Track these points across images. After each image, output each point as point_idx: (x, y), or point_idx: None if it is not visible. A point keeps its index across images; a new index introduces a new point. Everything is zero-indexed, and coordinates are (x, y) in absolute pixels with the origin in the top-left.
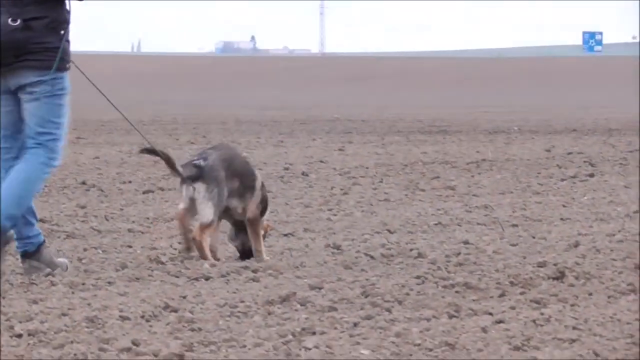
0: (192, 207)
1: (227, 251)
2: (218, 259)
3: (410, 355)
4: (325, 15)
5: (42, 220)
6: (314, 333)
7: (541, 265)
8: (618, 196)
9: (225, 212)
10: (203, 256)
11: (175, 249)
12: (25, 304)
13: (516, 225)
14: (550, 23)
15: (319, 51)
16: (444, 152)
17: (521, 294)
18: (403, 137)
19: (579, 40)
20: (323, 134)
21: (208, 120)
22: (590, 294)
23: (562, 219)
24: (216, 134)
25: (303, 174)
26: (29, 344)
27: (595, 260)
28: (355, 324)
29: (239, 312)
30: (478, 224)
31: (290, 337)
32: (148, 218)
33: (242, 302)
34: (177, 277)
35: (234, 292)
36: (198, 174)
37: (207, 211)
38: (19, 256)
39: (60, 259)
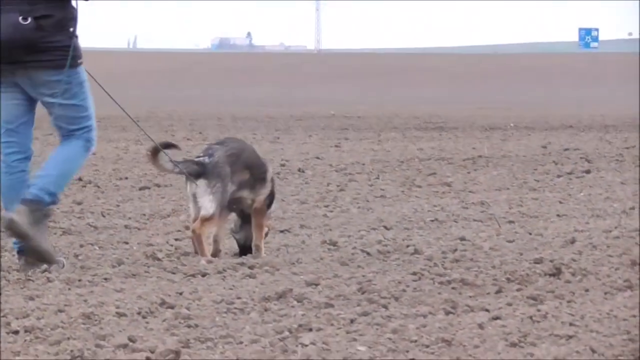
0: (197, 205)
1: (223, 248)
2: (219, 250)
3: (407, 351)
4: (321, 12)
5: None
6: (310, 329)
7: (538, 261)
8: (614, 192)
9: (235, 204)
10: (200, 251)
11: (172, 246)
12: (22, 300)
13: (512, 222)
14: (546, 20)
15: (315, 48)
16: (440, 148)
17: (518, 290)
18: (399, 134)
19: (574, 37)
20: (319, 131)
21: (204, 116)
22: (587, 290)
23: (558, 215)
24: (212, 131)
25: (299, 170)
26: (25, 340)
27: (591, 256)
28: (352, 321)
29: (235, 308)
30: (474, 220)
31: (287, 333)
32: (144, 214)
33: (239, 298)
34: (174, 273)
35: (231, 289)
36: (201, 171)
37: (207, 204)
38: (15, 252)
39: (57, 258)
